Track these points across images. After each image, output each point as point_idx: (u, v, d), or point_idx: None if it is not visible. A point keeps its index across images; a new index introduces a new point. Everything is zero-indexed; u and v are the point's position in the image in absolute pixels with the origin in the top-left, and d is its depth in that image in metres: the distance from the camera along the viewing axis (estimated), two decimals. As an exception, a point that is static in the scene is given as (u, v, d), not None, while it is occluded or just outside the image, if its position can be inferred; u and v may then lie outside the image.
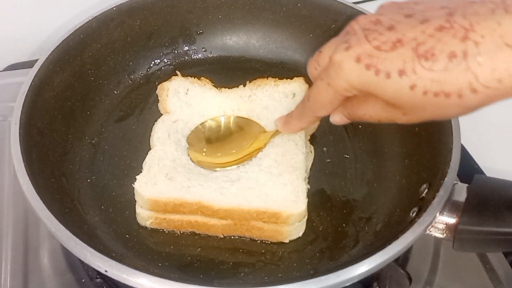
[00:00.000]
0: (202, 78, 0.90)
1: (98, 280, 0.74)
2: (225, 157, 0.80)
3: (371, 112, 0.60)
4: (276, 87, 0.87)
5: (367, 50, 0.54)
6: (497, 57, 0.48)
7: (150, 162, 0.78)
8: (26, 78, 0.78)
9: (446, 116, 0.54)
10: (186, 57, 1.00)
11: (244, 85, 0.88)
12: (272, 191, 0.75)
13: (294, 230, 0.75)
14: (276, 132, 0.79)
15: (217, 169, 0.78)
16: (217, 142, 0.82)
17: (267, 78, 0.89)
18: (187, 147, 0.81)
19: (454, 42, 0.49)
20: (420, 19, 0.53)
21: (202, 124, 0.84)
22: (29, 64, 0.84)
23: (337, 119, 0.66)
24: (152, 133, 0.82)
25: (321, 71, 0.61)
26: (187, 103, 0.86)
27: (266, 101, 0.86)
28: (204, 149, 0.80)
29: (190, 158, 0.79)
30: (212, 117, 0.85)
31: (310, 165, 0.82)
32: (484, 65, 0.48)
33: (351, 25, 0.58)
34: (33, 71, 0.79)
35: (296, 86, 0.87)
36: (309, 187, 0.78)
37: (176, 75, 0.89)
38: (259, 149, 0.80)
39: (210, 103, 0.86)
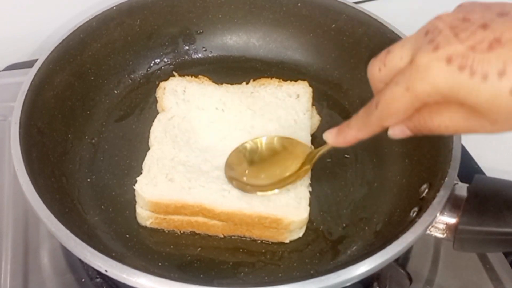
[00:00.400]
0: (200, 76, 0.90)
1: (98, 280, 0.74)
2: (268, 179, 0.76)
3: (448, 123, 0.53)
4: (280, 87, 0.88)
5: (459, 50, 0.48)
6: None
7: (149, 162, 0.78)
8: (26, 77, 0.78)
9: None
10: (186, 57, 1.00)
11: (247, 83, 0.89)
12: (274, 196, 0.75)
13: (295, 231, 0.75)
14: (325, 147, 0.73)
15: (258, 193, 0.74)
16: (260, 163, 0.78)
17: (271, 78, 0.89)
18: (226, 171, 0.77)
19: None
20: None
21: (242, 145, 0.79)
22: (29, 64, 0.84)
23: (398, 132, 0.58)
24: (150, 133, 0.82)
25: (394, 74, 0.54)
26: (184, 100, 0.86)
27: (269, 98, 0.86)
28: (247, 171, 0.77)
29: (229, 181, 0.76)
30: (253, 138, 0.80)
31: (311, 165, 0.82)
32: None
33: (433, 23, 0.52)
34: (33, 71, 0.79)
35: (300, 88, 0.88)
36: (310, 189, 0.78)
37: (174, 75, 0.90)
38: (307, 170, 0.76)
39: (209, 97, 0.86)
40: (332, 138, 0.66)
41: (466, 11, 0.51)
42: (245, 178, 0.76)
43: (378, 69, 0.57)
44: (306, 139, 0.81)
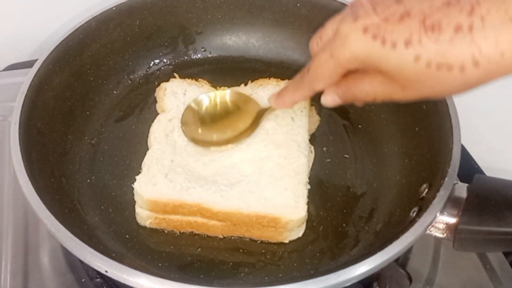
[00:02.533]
0: (199, 79, 0.90)
1: (98, 280, 0.74)
2: (220, 137, 0.80)
3: (367, 89, 0.60)
4: (278, 87, 0.87)
5: (374, 21, 0.54)
6: (502, 31, 0.49)
7: (148, 162, 0.78)
8: (26, 78, 0.78)
9: (444, 92, 0.55)
10: (186, 57, 1.00)
11: (246, 84, 0.89)
12: (272, 195, 0.75)
13: (294, 231, 0.75)
14: (270, 109, 0.79)
15: (212, 148, 0.79)
16: (212, 122, 0.82)
17: (269, 79, 0.89)
18: (181, 126, 0.81)
19: (460, 16, 0.50)
20: None
21: (195, 101, 0.84)
22: (29, 64, 0.84)
23: (329, 99, 0.65)
24: (149, 133, 0.82)
25: (324, 44, 0.61)
26: (184, 103, 0.85)
27: (267, 100, 0.86)
28: (199, 130, 0.81)
29: (185, 136, 0.80)
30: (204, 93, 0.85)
31: (310, 165, 0.82)
32: (489, 39, 0.49)
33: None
34: (32, 71, 0.79)
35: None
36: (309, 187, 0.78)
37: (175, 77, 0.90)
38: (254, 128, 0.80)
39: None
40: (273, 101, 0.74)
41: None
42: (199, 134, 0.81)
43: (316, 43, 0.64)
44: (303, 136, 0.81)
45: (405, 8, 0.53)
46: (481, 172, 0.92)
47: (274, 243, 0.75)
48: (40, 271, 0.76)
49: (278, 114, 0.84)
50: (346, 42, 0.56)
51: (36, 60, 0.81)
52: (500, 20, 0.49)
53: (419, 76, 0.53)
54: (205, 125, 0.82)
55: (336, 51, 0.57)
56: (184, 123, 0.82)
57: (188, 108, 0.83)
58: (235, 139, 0.80)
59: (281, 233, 0.74)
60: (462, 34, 0.50)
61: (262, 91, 0.87)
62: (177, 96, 0.86)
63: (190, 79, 0.89)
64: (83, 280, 0.75)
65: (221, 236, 0.75)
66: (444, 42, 0.50)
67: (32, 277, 0.75)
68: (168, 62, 0.98)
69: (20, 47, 1.07)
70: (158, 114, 0.85)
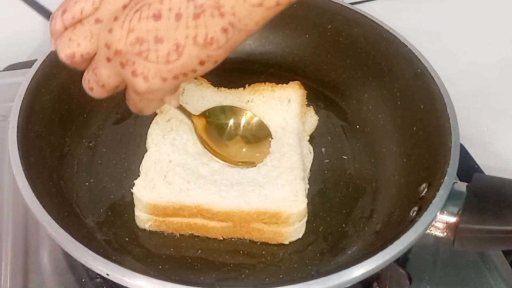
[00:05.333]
0: (198, 78, 0.89)
1: (98, 280, 0.74)
2: (225, 155, 0.80)
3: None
4: (273, 93, 0.88)
5: (162, 68, 0.56)
6: (253, 16, 0.53)
7: (146, 165, 0.77)
8: (23, 81, 0.78)
9: None
10: (183, 59, 0.99)
11: (244, 88, 0.89)
12: (271, 192, 0.75)
13: (294, 231, 0.75)
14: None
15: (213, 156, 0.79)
16: (228, 140, 0.82)
17: (264, 83, 0.89)
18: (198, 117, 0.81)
19: (217, 20, 0.53)
20: (171, 16, 0.54)
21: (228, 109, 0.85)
22: (28, 64, 0.83)
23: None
24: (147, 136, 0.82)
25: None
26: (182, 102, 0.85)
27: (263, 108, 0.86)
28: (213, 142, 0.81)
29: (194, 128, 0.80)
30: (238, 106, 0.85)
31: (309, 166, 0.82)
32: (249, 24, 0.54)
33: (121, 56, 0.57)
34: (29, 74, 0.79)
35: (292, 92, 0.88)
36: (308, 186, 0.78)
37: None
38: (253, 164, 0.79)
39: (208, 101, 0.86)
40: None
41: (129, 29, 0.56)
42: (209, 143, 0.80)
43: (104, 95, 0.64)
44: (294, 139, 0.82)
45: (169, 43, 0.54)
46: (481, 171, 0.92)
47: (275, 245, 0.75)
48: (40, 271, 0.76)
49: (270, 126, 0.84)
50: (149, 93, 0.59)
51: (36, 60, 0.81)
52: (247, 10, 0.52)
53: None
54: (226, 138, 0.82)
55: (146, 104, 0.63)
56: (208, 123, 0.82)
57: (221, 109, 0.84)
58: (237, 162, 0.80)
59: (282, 233, 0.74)
60: (231, 32, 0.54)
61: (258, 98, 0.87)
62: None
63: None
64: (83, 280, 0.75)
65: (221, 238, 0.75)
66: (224, 45, 0.55)
67: (32, 277, 0.75)
68: (165, 64, 0.98)
69: (20, 47, 1.07)
70: (156, 115, 0.85)
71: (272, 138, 0.82)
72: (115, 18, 0.56)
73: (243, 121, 0.84)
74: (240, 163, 0.79)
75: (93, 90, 0.63)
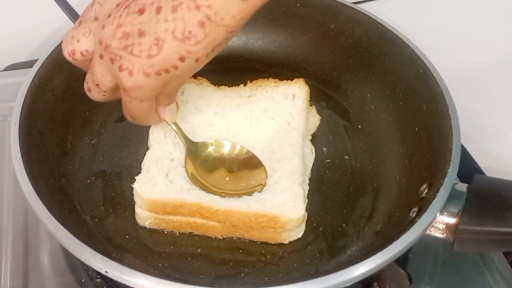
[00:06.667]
0: (198, 77, 0.89)
1: (98, 280, 0.74)
2: (218, 189, 0.77)
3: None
4: (277, 88, 0.87)
5: (144, 63, 0.57)
6: (231, 9, 0.54)
7: (148, 162, 0.78)
8: (26, 78, 0.78)
9: None
10: (185, 57, 0.99)
11: (245, 84, 0.88)
12: (270, 197, 0.75)
13: (294, 231, 0.75)
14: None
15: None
16: (217, 173, 0.79)
17: (267, 79, 0.89)
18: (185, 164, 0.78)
19: (194, 14, 0.53)
20: (153, 10, 0.55)
21: (216, 142, 0.81)
22: (29, 64, 0.84)
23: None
24: (148, 134, 0.82)
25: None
26: (183, 101, 0.85)
27: (266, 102, 0.86)
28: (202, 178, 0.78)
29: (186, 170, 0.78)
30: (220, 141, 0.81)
31: (311, 166, 0.82)
32: (227, 18, 0.54)
33: (110, 51, 0.58)
34: (32, 72, 0.79)
35: (296, 88, 0.87)
36: (308, 188, 0.78)
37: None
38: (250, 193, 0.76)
39: (208, 99, 0.86)
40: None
41: (118, 24, 0.57)
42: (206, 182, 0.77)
43: (103, 95, 0.65)
44: (298, 138, 0.81)
45: (150, 36, 0.55)
46: (481, 172, 0.92)
47: (274, 244, 0.75)
48: (40, 271, 0.76)
49: (277, 120, 0.84)
50: (135, 89, 0.59)
51: (36, 60, 0.81)
52: (222, 2, 0.53)
53: None
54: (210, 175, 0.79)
55: (133, 99, 0.62)
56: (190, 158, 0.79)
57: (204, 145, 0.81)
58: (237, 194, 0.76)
59: (280, 234, 0.74)
60: (208, 26, 0.54)
61: (261, 93, 0.87)
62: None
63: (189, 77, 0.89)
64: (83, 280, 0.75)
65: (221, 237, 0.75)
66: (203, 39, 0.55)
67: (32, 277, 0.75)
68: (168, 63, 0.98)
69: (20, 47, 1.07)
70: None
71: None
72: (108, 16, 0.58)
73: (228, 151, 0.81)
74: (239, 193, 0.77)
75: (90, 90, 0.64)
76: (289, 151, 0.79)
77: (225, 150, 0.81)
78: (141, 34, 0.55)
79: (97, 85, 0.62)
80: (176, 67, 0.56)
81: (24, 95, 0.76)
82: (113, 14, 0.57)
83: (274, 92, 0.87)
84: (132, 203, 0.76)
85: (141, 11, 0.55)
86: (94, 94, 0.64)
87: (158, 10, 0.54)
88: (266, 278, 0.72)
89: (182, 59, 0.56)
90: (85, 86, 0.64)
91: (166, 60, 0.55)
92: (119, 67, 0.57)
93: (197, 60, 0.57)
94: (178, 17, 0.53)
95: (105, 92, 0.63)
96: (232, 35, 0.57)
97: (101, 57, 0.59)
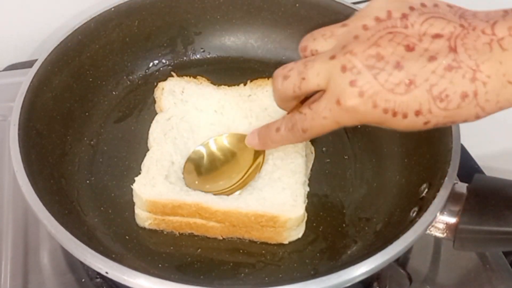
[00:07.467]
0: (198, 77, 0.89)
1: (98, 280, 0.74)
2: (225, 184, 0.77)
3: None
4: None
5: (381, 94, 0.54)
6: (502, 93, 0.52)
7: (148, 163, 0.77)
8: (25, 79, 0.78)
9: None
10: (185, 58, 0.99)
11: (245, 84, 0.88)
12: (270, 195, 0.75)
13: (294, 231, 0.75)
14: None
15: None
16: (214, 170, 0.79)
17: (268, 79, 0.88)
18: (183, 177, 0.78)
19: (464, 83, 0.52)
20: (425, 55, 0.53)
21: (194, 152, 0.81)
22: (29, 64, 0.84)
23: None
24: (148, 135, 0.82)
25: (306, 94, 0.61)
26: (182, 100, 0.85)
27: (266, 101, 0.86)
28: (197, 182, 0.78)
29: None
30: (202, 142, 0.81)
31: (310, 166, 0.82)
32: (491, 101, 0.52)
33: (350, 59, 0.55)
34: (31, 72, 0.79)
35: None
36: (308, 189, 0.78)
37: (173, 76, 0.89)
38: (259, 163, 0.77)
39: (208, 99, 0.86)
40: (253, 142, 0.73)
41: (374, 42, 0.55)
42: (205, 186, 0.77)
43: (293, 91, 0.60)
44: (304, 143, 0.81)
45: (407, 76, 0.53)
46: (481, 171, 0.92)
47: (274, 244, 0.75)
48: (40, 271, 0.76)
49: (276, 116, 0.84)
50: (355, 114, 0.56)
51: (36, 60, 0.81)
52: (500, 84, 0.51)
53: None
54: (209, 175, 0.79)
55: (342, 120, 0.57)
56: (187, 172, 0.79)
57: (189, 160, 0.80)
58: (242, 184, 0.77)
59: (280, 234, 0.74)
60: (468, 100, 0.52)
61: (261, 92, 0.87)
62: (175, 95, 0.86)
63: (188, 77, 0.89)
64: (83, 280, 0.75)
65: (221, 237, 0.75)
66: (452, 109, 0.53)
67: (32, 277, 0.75)
68: (167, 63, 0.98)
69: (20, 47, 1.07)
70: (157, 114, 0.85)
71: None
72: (365, 27, 0.56)
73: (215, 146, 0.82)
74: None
75: (287, 78, 0.61)
76: (292, 151, 0.79)
77: (213, 147, 0.81)
78: (398, 66, 0.53)
79: (303, 78, 0.59)
80: (405, 116, 0.54)
81: (23, 96, 0.76)
82: (373, 30, 0.55)
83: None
84: (132, 204, 0.76)
85: (409, 48, 0.53)
86: (286, 84, 0.61)
87: (432, 59, 0.52)
88: (266, 279, 0.72)
89: (416, 113, 0.54)
90: (286, 72, 0.61)
91: (403, 105, 0.53)
92: (350, 82, 0.54)
93: (426, 123, 0.55)
94: (447, 77, 0.52)
95: (299, 90, 0.60)
96: (472, 120, 0.55)
97: (333, 57, 0.56)
